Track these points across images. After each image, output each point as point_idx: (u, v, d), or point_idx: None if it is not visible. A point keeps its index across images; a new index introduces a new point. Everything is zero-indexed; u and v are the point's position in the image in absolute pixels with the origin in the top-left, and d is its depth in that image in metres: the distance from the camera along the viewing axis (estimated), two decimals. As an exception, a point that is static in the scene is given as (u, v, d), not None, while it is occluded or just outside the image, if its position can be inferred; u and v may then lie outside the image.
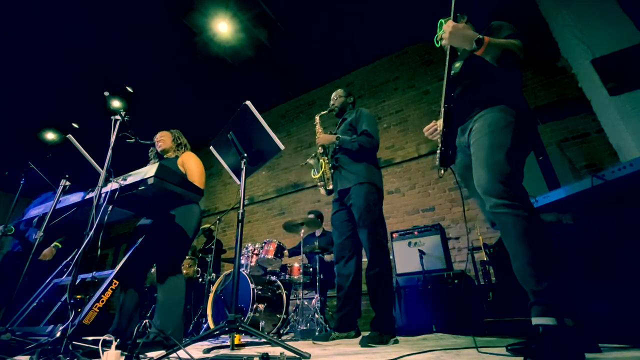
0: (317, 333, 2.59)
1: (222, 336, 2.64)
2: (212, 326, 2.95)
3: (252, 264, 3.43)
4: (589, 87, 3.25)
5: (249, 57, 5.30)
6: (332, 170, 2.52)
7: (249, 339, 2.44)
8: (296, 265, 3.41)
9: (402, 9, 4.57)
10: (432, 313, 2.82)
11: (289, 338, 2.90)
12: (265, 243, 3.49)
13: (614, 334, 1.39)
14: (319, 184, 2.58)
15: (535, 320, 1.17)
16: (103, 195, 1.57)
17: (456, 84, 1.56)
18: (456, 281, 2.86)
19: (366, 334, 2.00)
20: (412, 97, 5.03)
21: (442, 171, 1.58)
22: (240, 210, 1.66)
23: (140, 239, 1.87)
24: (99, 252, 1.52)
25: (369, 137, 2.35)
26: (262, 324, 2.89)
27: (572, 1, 3.29)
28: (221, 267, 4.68)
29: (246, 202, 5.36)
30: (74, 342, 1.22)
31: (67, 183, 1.77)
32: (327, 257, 3.70)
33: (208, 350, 1.80)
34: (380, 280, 2.12)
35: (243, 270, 3.21)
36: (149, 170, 1.59)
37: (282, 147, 1.85)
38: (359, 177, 2.30)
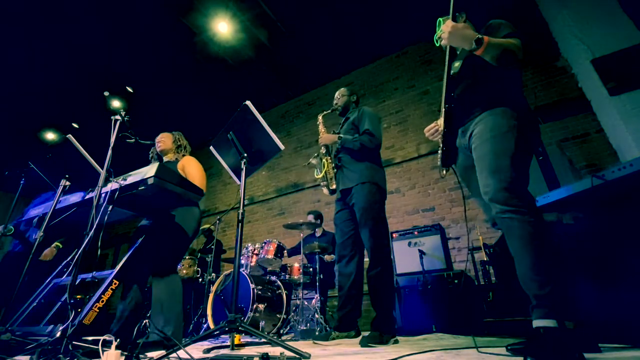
0: (317, 333, 2.59)
1: (222, 336, 2.64)
2: (212, 326, 2.95)
3: (252, 264, 3.43)
4: (589, 87, 3.25)
5: (249, 57, 5.30)
6: (335, 170, 2.52)
7: (249, 339, 2.44)
8: (296, 265, 3.41)
9: (402, 9, 4.57)
10: (432, 313, 2.82)
11: (289, 338, 2.90)
12: (265, 243, 3.49)
13: (614, 334, 1.39)
14: (322, 183, 2.58)
15: (536, 323, 1.17)
16: (103, 195, 1.57)
17: (456, 84, 1.56)
18: (456, 281, 2.86)
19: (366, 334, 2.00)
20: (412, 97, 5.03)
21: (444, 171, 1.58)
22: (240, 210, 1.66)
23: (140, 239, 1.87)
24: (99, 252, 1.52)
25: (370, 137, 2.34)
26: (262, 324, 2.89)
27: (572, 1, 3.29)
28: (221, 267, 4.68)
29: (246, 202, 5.36)
30: (74, 342, 1.22)
31: (67, 183, 1.77)
32: (327, 258, 3.69)
33: (208, 350, 1.80)
34: (381, 281, 2.12)
35: (243, 270, 3.21)
36: (149, 170, 1.59)
37: (282, 147, 1.84)
38: (361, 176, 2.30)
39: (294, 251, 4.04)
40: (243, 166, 1.80)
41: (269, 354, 1.14)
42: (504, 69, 1.40)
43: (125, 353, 1.12)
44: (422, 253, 3.14)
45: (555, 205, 1.88)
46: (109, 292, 1.62)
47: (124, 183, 1.62)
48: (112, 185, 1.60)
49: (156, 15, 4.42)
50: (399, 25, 4.85)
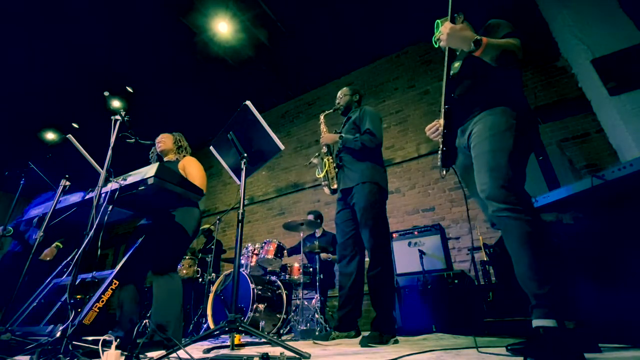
0: (317, 333, 2.59)
1: (222, 336, 2.64)
2: (212, 326, 2.95)
3: (252, 264, 3.43)
4: (589, 87, 3.25)
5: (249, 57, 5.30)
6: (336, 170, 2.52)
7: (249, 339, 2.44)
8: (296, 265, 3.41)
9: (402, 9, 4.57)
10: (432, 313, 2.82)
11: (289, 338, 2.90)
12: (265, 243, 3.49)
13: (614, 334, 1.39)
14: (323, 183, 2.59)
15: (536, 323, 1.17)
16: (103, 195, 1.57)
17: (456, 85, 1.56)
18: (456, 281, 2.86)
19: (366, 334, 2.00)
20: (412, 97, 5.03)
21: (445, 172, 1.58)
22: (240, 210, 1.66)
23: (140, 239, 1.87)
24: (99, 252, 1.52)
25: (371, 136, 2.34)
26: (262, 324, 2.89)
27: (572, 1, 3.29)
28: (221, 267, 4.68)
29: (246, 202, 5.36)
30: (74, 342, 1.22)
31: (67, 183, 1.77)
32: (323, 255, 3.69)
33: (208, 350, 1.80)
34: (382, 281, 2.12)
35: (243, 270, 3.21)
36: (149, 170, 1.59)
37: (282, 147, 1.85)
38: (362, 176, 2.30)
39: (294, 251, 4.04)
40: (243, 166, 1.80)
41: (269, 354, 1.14)
42: (503, 69, 1.41)
43: (125, 353, 1.12)
44: (422, 253, 3.14)
45: (555, 205, 1.88)
46: (109, 292, 1.62)
47: (124, 183, 1.62)
48: (112, 185, 1.60)
49: (156, 15, 4.42)
50: (399, 25, 4.85)
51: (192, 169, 2.23)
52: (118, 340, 1.10)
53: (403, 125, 4.96)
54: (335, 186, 2.50)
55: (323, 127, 2.75)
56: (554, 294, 1.16)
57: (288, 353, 1.29)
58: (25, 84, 5.31)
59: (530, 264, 1.22)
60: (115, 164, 1.62)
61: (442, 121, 1.53)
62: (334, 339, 2.17)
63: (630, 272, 1.50)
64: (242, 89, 5.95)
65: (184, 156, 2.40)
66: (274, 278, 3.35)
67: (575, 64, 3.37)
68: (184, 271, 3.65)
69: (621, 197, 1.65)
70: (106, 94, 5.20)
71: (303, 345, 2.07)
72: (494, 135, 1.39)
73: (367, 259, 2.24)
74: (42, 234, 1.62)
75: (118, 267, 1.71)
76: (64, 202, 1.81)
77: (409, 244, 3.31)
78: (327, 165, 2.57)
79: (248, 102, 1.80)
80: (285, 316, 3.12)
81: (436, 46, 1.50)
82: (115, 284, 1.66)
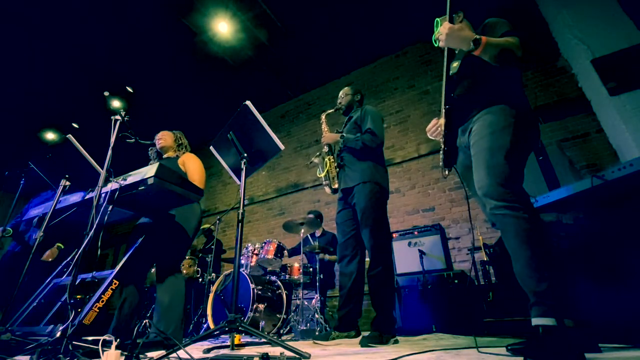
0: (317, 333, 2.59)
1: (222, 336, 2.64)
2: (212, 326, 2.95)
3: (252, 264, 3.43)
4: (589, 87, 3.25)
5: (249, 57, 5.30)
6: (337, 169, 2.52)
7: (249, 339, 2.44)
8: (296, 265, 3.41)
9: (402, 9, 4.57)
10: (432, 313, 2.82)
11: (289, 338, 2.90)
12: (265, 243, 3.49)
13: (614, 334, 1.39)
14: (324, 182, 2.59)
15: (535, 321, 1.17)
16: (103, 195, 1.57)
17: (456, 84, 1.56)
18: (456, 281, 2.86)
19: (366, 334, 2.00)
20: (412, 97, 5.03)
21: (447, 172, 1.58)
22: (240, 210, 1.66)
23: (140, 239, 1.87)
24: (99, 252, 1.52)
25: (372, 136, 2.34)
26: (262, 324, 2.89)
27: (572, 1, 3.29)
28: (221, 267, 4.68)
29: (246, 202, 5.36)
30: (74, 342, 1.22)
31: (67, 183, 1.77)
32: (321, 255, 3.67)
33: (208, 350, 1.80)
34: (382, 281, 2.12)
35: (243, 270, 3.21)
36: (149, 170, 1.59)
37: (282, 147, 1.84)
38: (363, 176, 2.30)
39: (294, 251, 4.04)
40: (243, 166, 1.80)
41: (269, 354, 1.14)
42: (503, 68, 1.41)
43: (125, 353, 1.12)
44: (422, 253, 3.14)
45: (555, 205, 1.89)
46: (109, 292, 1.62)
47: (124, 183, 1.62)
48: (112, 185, 1.60)
49: (156, 15, 4.42)
50: (399, 25, 4.85)
51: (191, 165, 2.22)
52: (118, 340, 1.10)
53: (403, 125, 4.96)
54: (336, 186, 2.50)
55: (324, 127, 2.75)
56: (552, 292, 1.16)
57: (288, 353, 1.29)
58: (25, 84, 5.31)
59: (528, 261, 1.22)
60: (115, 164, 1.62)
61: (442, 121, 1.53)
62: (334, 339, 2.17)
63: (630, 272, 1.50)
64: (242, 89, 5.95)
65: (184, 153, 2.41)
66: (274, 278, 3.35)
67: (575, 64, 3.37)
68: (184, 271, 3.65)
69: (621, 197, 1.65)
70: (106, 94, 5.17)
71: (303, 345, 2.07)
72: (492, 133, 1.39)
73: (367, 259, 2.24)
74: (42, 234, 1.62)
75: (118, 267, 1.71)
76: (64, 202, 1.81)
77: (409, 244, 3.31)
78: (328, 164, 2.57)
79: (248, 102, 1.80)
80: (285, 316, 3.12)
81: (436, 45, 1.50)
82: (115, 284, 1.66)
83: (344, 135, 2.46)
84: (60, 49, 4.76)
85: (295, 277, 3.34)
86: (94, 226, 1.46)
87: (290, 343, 1.54)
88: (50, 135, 6.46)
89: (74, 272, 1.37)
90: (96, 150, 1.77)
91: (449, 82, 1.49)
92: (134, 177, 1.62)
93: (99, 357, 1.06)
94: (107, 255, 7.91)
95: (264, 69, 5.59)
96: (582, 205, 1.84)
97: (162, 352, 1.23)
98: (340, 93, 2.75)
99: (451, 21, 1.37)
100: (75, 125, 6.16)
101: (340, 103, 2.72)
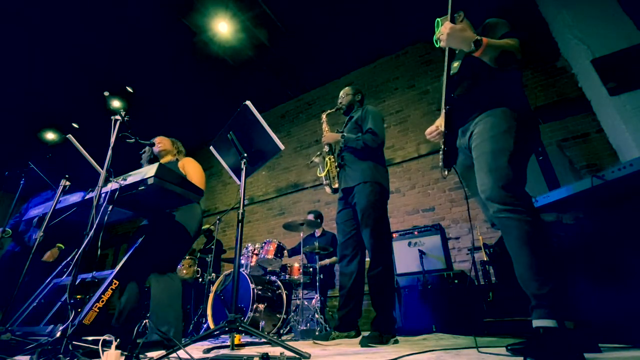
0: (317, 333, 2.59)
1: (222, 336, 2.64)
2: (212, 326, 2.95)
3: (252, 264, 3.43)
4: (589, 87, 3.25)
5: (249, 57, 5.30)
6: (338, 169, 2.52)
7: (249, 339, 2.44)
8: (296, 265, 3.41)
9: (402, 9, 4.57)
10: (432, 313, 2.82)
11: (289, 338, 2.90)
12: (265, 243, 3.49)
13: (614, 334, 1.39)
14: (324, 182, 2.59)
15: (536, 323, 1.17)
16: (103, 195, 1.57)
17: (456, 84, 1.56)
18: (456, 281, 2.86)
19: (366, 334, 2.00)
20: (412, 97, 5.03)
21: (446, 172, 1.58)
22: (240, 210, 1.66)
23: (140, 239, 1.87)
24: (99, 252, 1.52)
25: (373, 136, 2.34)
26: (262, 324, 2.89)
27: (572, 1, 3.29)
28: (221, 267, 4.68)
29: (246, 202, 5.36)
30: (74, 342, 1.22)
31: (67, 183, 1.77)
32: (320, 263, 3.61)
33: (208, 350, 1.80)
34: (382, 281, 2.12)
35: (243, 270, 3.21)
36: (149, 170, 1.59)
37: (282, 147, 1.84)
38: (363, 175, 2.30)
39: (294, 251, 4.04)
40: (243, 166, 1.80)
41: (269, 354, 1.14)
42: (502, 69, 1.41)
43: (125, 353, 1.12)
44: (422, 253, 3.14)
45: (555, 205, 1.88)
46: (109, 292, 1.62)
47: (124, 183, 1.62)
48: (112, 185, 1.60)
49: (156, 15, 4.42)
50: (399, 25, 4.85)
51: (191, 169, 2.24)
52: (118, 340, 1.10)
53: (403, 125, 4.96)
54: (337, 185, 2.50)
55: (325, 126, 2.75)
56: (554, 295, 1.16)
57: (288, 353, 1.29)
58: (25, 84, 5.31)
59: (530, 264, 1.22)
60: (115, 164, 1.62)
61: (442, 122, 1.53)
62: (334, 339, 2.17)
63: (630, 272, 1.50)
64: (242, 89, 5.95)
65: (183, 157, 2.43)
66: (274, 278, 3.35)
67: (575, 64, 3.37)
68: (184, 271, 3.65)
69: (621, 197, 1.65)
70: (106, 94, 5.20)
71: (303, 345, 2.07)
72: (494, 136, 1.39)
73: (367, 259, 2.24)
74: (42, 234, 1.62)
75: (118, 267, 1.71)
76: (64, 202, 1.81)
77: (409, 244, 3.31)
78: (328, 164, 2.57)
79: (248, 102, 1.80)
80: (285, 316, 3.12)
81: (437, 45, 1.50)
82: (115, 284, 1.66)
83: (345, 134, 2.46)
84: (60, 49, 4.76)
85: (295, 277, 3.34)
86: (94, 226, 1.46)
87: (290, 343, 1.54)
88: (50, 135, 6.46)
89: (74, 272, 1.37)
90: (96, 150, 1.77)
91: (449, 82, 1.49)
92: (134, 177, 1.62)
93: (99, 357, 1.06)
94: (107, 255, 7.91)
95: (264, 69, 5.59)
96: (582, 205, 1.84)
97: (162, 352, 1.23)
98: (341, 93, 2.75)
99: (452, 21, 1.37)
100: (75, 125, 6.16)
101: (341, 103, 2.72)
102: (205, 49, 5.03)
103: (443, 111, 1.51)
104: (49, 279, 2.12)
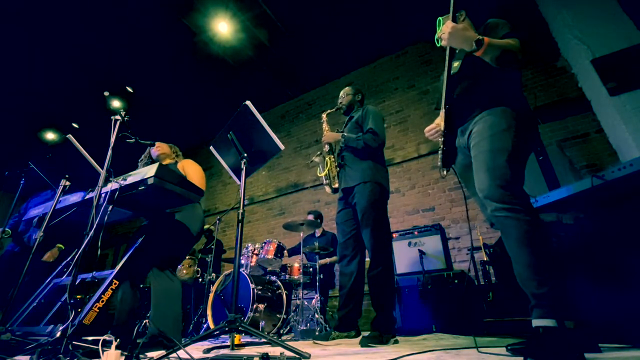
0: (317, 333, 2.59)
1: (222, 336, 2.64)
2: (212, 326, 2.95)
3: (252, 264, 3.43)
4: (589, 87, 3.25)
5: (249, 57, 5.30)
6: (338, 169, 2.52)
7: (249, 339, 2.44)
8: (296, 265, 3.41)
9: (402, 9, 4.57)
10: (432, 313, 2.82)
11: (289, 338, 2.90)
12: (265, 243, 3.49)
13: (614, 334, 1.39)
14: (324, 182, 2.59)
15: (536, 322, 1.17)
16: (103, 195, 1.57)
17: (456, 84, 1.56)
18: (456, 281, 2.86)
19: (366, 334, 2.00)
20: (412, 97, 5.03)
21: (445, 172, 1.58)
22: (240, 210, 1.66)
23: (140, 239, 1.87)
24: (99, 252, 1.52)
25: (374, 135, 2.34)
26: (262, 324, 2.89)
27: (572, 1, 3.29)
28: (221, 267, 4.68)
29: (246, 202, 5.36)
30: (74, 342, 1.22)
31: (67, 183, 1.77)
32: (320, 261, 3.59)
33: (208, 350, 1.80)
34: (382, 281, 2.12)
35: (243, 270, 3.21)
36: (149, 170, 1.59)
37: (282, 147, 1.85)
38: (363, 175, 2.30)
39: (294, 251, 4.04)
40: (243, 166, 1.80)
41: (269, 354, 1.14)
42: (503, 69, 1.41)
43: (125, 353, 1.12)
44: (422, 253, 3.14)
45: (555, 205, 1.88)
46: (109, 292, 1.62)
47: (124, 183, 1.62)
48: (112, 185, 1.60)
49: (156, 15, 4.42)
50: (399, 25, 4.85)
51: (191, 170, 2.25)
52: (118, 340, 1.10)
53: (403, 125, 4.96)
54: (337, 185, 2.49)
55: (325, 126, 2.75)
56: (553, 294, 1.16)
57: (288, 353, 1.29)
58: (25, 84, 5.31)
59: (529, 264, 1.22)
60: (115, 164, 1.62)
61: (442, 121, 1.53)
62: (334, 339, 2.17)
63: (630, 272, 1.50)
64: (242, 89, 5.95)
65: (182, 159, 2.44)
66: (274, 278, 3.35)
67: (575, 64, 3.37)
68: (184, 271, 3.64)
69: (621, 197, 1.65)
70: (106, 94, 5.20)
71: (303, 345, 2.07)
72: (493, 135, 1.39)
73: (367, 259, 2.24)
74: (42, 234, 1.62)
75: (118, 267, 1.71)
76: (64, 202, 1.81)
77: (409, 244, 3.31)
78: (328, 164, 2.57)
79: (248, 102, 1.80)
80: (285, 316, 3.12)
81: (438, 45, 1.50)
82: (115, 284, 1.66)
83: (345, 134, 2.46)
84: (60, 49, 4.76)
85: (295, 277, 3.34)
86: (94, 226, 1.46)
87: (290, 343, 1.54)
88: (50, 135, 6.46)
89: (74, 272, 1.37)
90: (96, 150, 1.78)
91: (450, 81, 1.49)
92: (134, 177, 1.62)
93: (99, 357, 1.06)
94: (107, 255, 7.90)
95: (264, 69, 5.59)
96: (582, 205, 1.84)
97: (162, 352, 1.23)
98: (341, 93, 2.75)
99: (454, 20, 1.37)
100: (75, 125, 6.16)
101: (341, 103, 2.72)
102: (205, 49, 5.03)
103: (442, 110, 1.51)
104: (49, 279, 2.12)
